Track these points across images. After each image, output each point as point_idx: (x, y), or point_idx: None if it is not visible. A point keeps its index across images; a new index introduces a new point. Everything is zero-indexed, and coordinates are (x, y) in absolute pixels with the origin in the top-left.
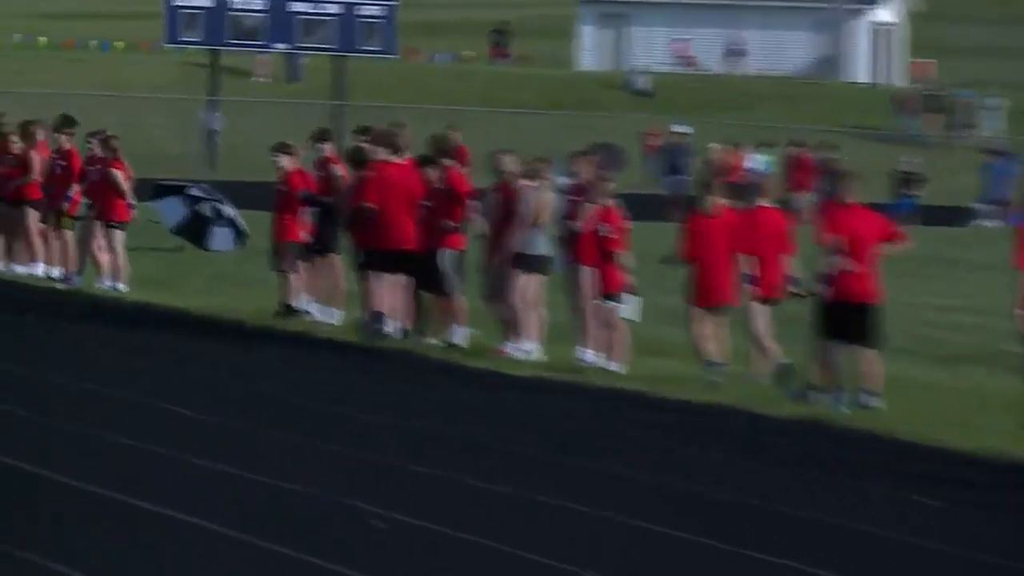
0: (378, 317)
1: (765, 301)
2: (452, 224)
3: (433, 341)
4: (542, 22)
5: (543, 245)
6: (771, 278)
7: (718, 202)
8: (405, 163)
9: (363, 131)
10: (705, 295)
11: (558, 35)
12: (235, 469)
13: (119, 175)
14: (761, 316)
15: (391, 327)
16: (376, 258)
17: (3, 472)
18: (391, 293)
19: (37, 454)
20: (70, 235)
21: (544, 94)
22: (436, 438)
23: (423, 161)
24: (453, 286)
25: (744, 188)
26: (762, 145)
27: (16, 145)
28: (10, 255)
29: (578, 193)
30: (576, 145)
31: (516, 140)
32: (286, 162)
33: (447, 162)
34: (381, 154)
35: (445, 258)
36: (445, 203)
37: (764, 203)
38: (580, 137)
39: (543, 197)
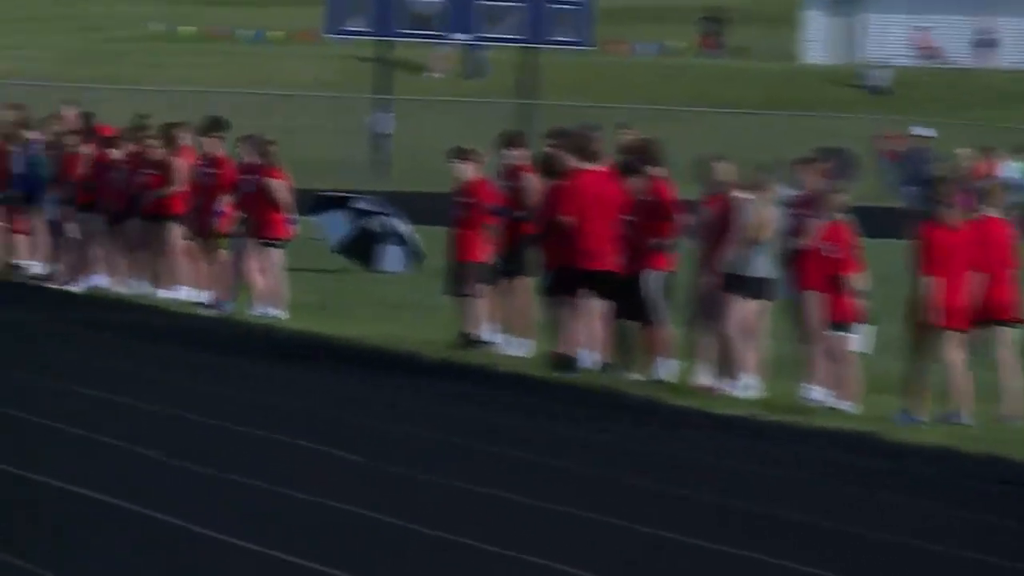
0: (570, 354)
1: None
2: (658, 242)
3: (636, 376)
4: (761, 8)
5: (763, 266)
6: (1002, 297)
7: (960, 213)
8: (603, 171)
9: (556, 134)
10: (943, 317)
11: (780, 23)
12: (403, 522)
13: (277, 185)
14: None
15: (587, 361)
16: (571, 280)
17: (170, 529)
18: (587, 321)
19: (186, 504)
20: (221, 254)
21: (764, 91)
22: (635, 489)
23: (625, 169)
24: (659, 313)
25: (971, 195)
26: (1018, 151)
27: (157, 151)
28: (152, 277)
29: (803, 206)
30: (801, 151)
31: (731, 145)
32: (466, 170)
33: (653, 170)
34: (575, 161)
35: (650, 281)
36: (650, 218)
37: (992, 213)
38: (805, 141)
39: (763, 211)
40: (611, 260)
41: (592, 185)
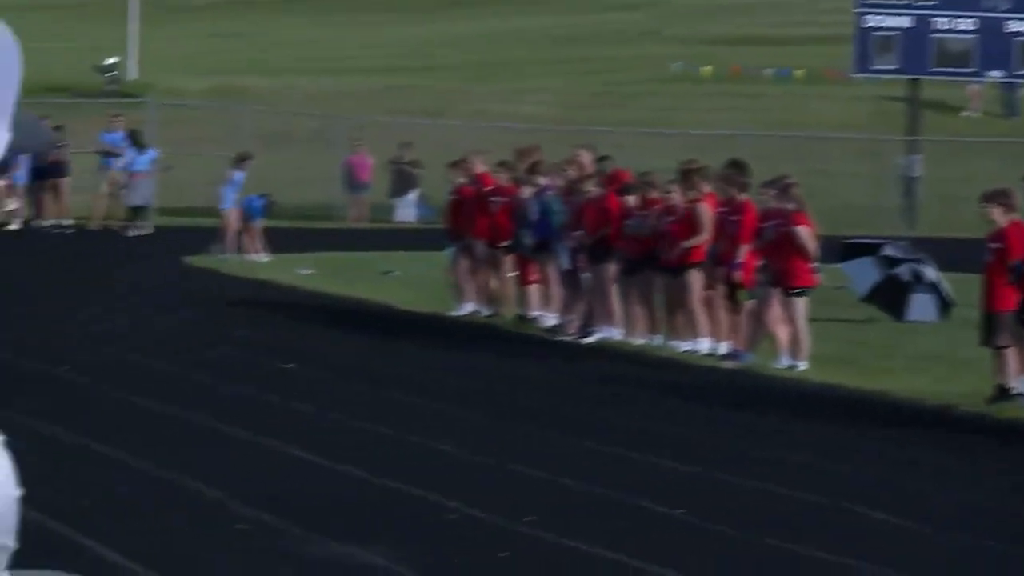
0: None
1: None
2: None
3: None
4: None
5: None
6: None
7: None
8: None
9: None
10: None
11: None
12: None
13: (803, 232)
14: None
15: None
16: None
17: None
18: None
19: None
20: (742, 304)
21: None
22: None
23: None
24: None
25: None
26: None
27: (675, 197)
28: (670, 328)
29: None
30: None
31: None
32: (998, 215)
33: None
34: None
35: None
36: None
37: None
38: None
39: None
40: None
41: None
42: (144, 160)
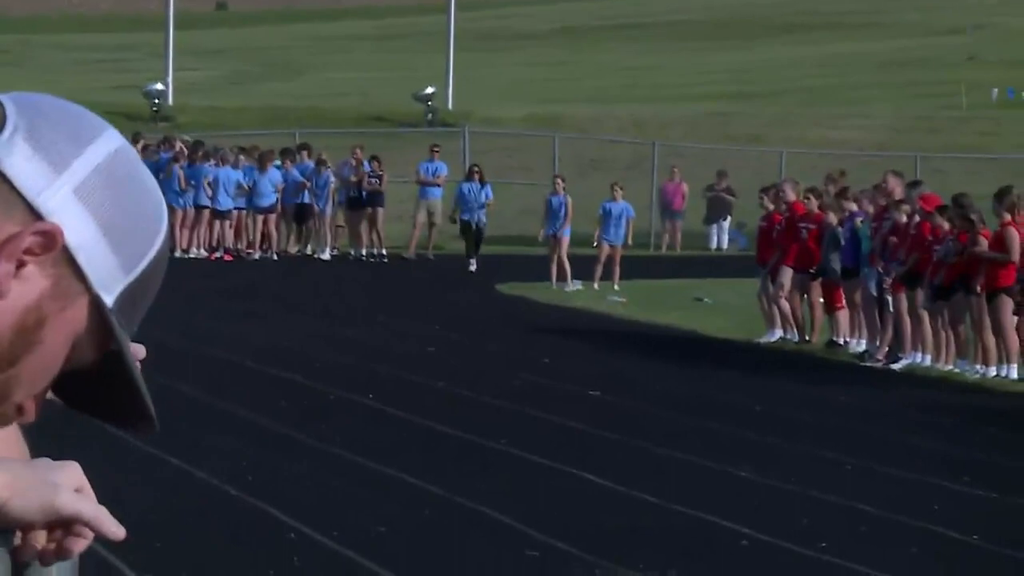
0: None
1: None
2: None
3: None
4: None
5: None
6: None
7: None
8: None
9: None
10: None
11: None
12: None
13: None
14: None
15: None
16: None
17: None
18: None
19: None
20: None
21: None
22: None
23: None
24: None
25: None
26: None
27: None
28: (979, 354)
29: None
30: None
31: None
32: None
33: None
34: None
35: None
36: None
37: None
38: None
39: None
40: None
41: None
42: (482, 194)
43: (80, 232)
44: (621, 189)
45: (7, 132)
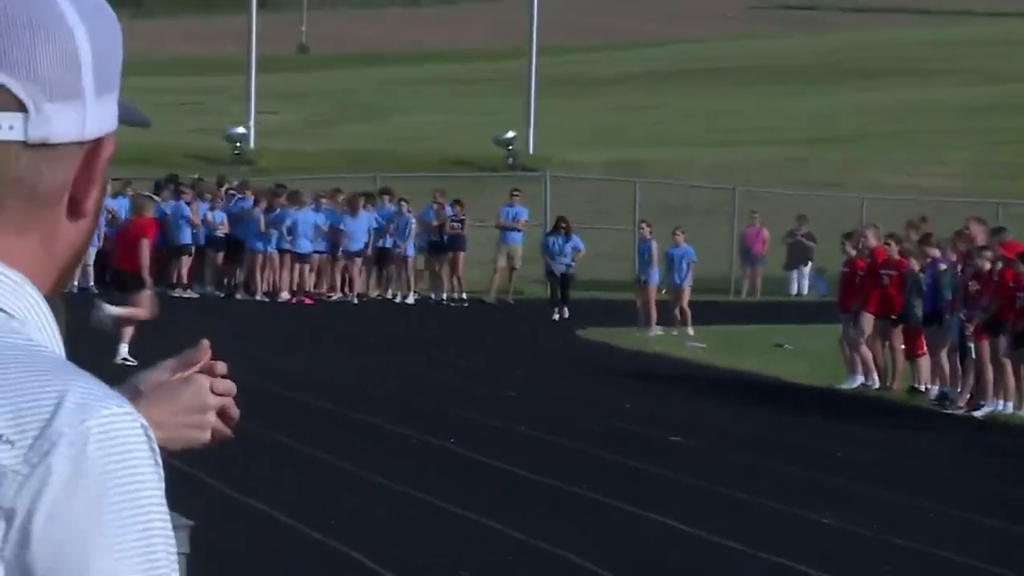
0: None
1: None
2: None
3: None
4: None
5: None
6: None
7: None
8: None
9: None
10: None
11: None
12: None
13: None
14: None
15: None
16: None
17: None
18: None
19: None
20: None
21: None
22: None
23: None
24: None
25: None
26: None
27: None
28: None
29: None
30: None
31: None
32: None
33: None
34: None
35: None
36: None
37: None
38: None
39: None
40: None
41: None
42: (567, 246)
43: (109, 119)
44: (683, 233)
45: (32, 111)
